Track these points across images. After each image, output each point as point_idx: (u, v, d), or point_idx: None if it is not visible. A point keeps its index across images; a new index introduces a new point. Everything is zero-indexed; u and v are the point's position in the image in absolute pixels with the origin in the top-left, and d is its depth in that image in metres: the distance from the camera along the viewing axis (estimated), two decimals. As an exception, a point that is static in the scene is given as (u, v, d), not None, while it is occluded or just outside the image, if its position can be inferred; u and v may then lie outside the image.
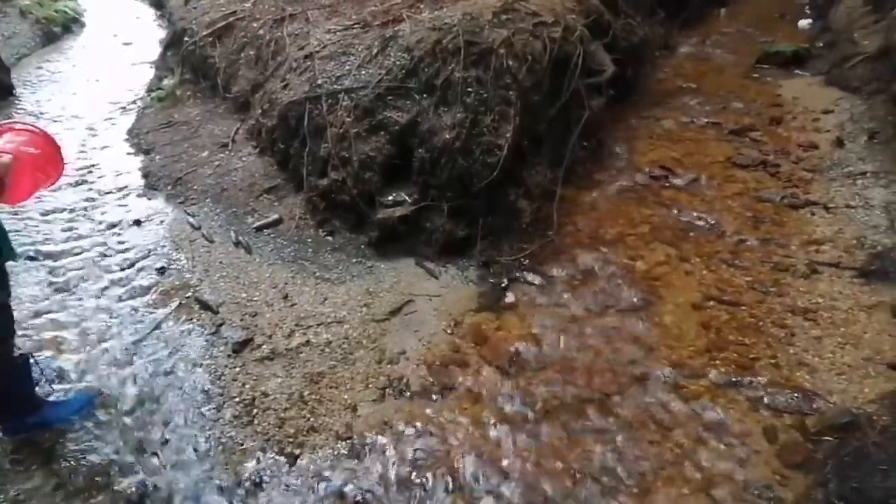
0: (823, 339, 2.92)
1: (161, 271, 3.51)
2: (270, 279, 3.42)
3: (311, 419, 2.52)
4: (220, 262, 3.57)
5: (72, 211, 4.25)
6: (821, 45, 6.88)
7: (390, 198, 3.62)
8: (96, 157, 5.12)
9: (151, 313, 3.14)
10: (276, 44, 4.82)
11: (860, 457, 2.32)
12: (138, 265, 3.57)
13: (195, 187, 4.39)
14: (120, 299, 3.26)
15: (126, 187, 4.57)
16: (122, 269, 3.53)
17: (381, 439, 2.45)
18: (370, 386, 2.71)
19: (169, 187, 4.46)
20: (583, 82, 4.83)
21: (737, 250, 3.72)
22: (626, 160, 5.05)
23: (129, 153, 5.18)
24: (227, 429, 2.48)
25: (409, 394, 2.69)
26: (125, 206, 4.31)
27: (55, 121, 5.93)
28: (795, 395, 2.64)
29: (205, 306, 3.17)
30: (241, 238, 3.75)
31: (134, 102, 6.36)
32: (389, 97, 3.67)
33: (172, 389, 2.67)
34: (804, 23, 8.09)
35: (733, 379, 2.75)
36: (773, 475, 2.28)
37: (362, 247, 3.66)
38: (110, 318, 3.12)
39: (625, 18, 6.05)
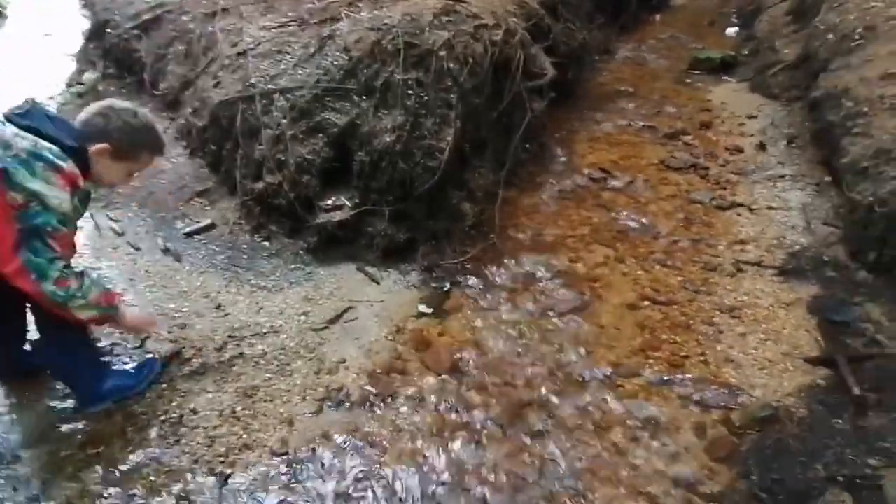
0: (747, 336, 3.07)
1: (80, 281, 3.27)
2: (202, 288, 3.26)
3: (244, 436, 2.41)
4: (147, 272, 3.37)
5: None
6: (746, 52, 7.27)
7: (329, 202, 3.53)
8: (8, 157, 4.72)
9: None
10: (208, 39, 4.60)
11: (780, 449, 2.45)
12: (54, 275, 3.31)
13: (119, 191, 4.12)
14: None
15: (42, 190, 4.23)
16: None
17: (319, 453, 2.38)
18: (308, 398, 2.62)
19: (90, 190, 4.16)
20: (524, 85, 4.88)
21: (670, 250, 3.86)
22: (567, 162, 5.15)
23: (45, 153, 4.80)
24: (152, 450, 2.33)
25: (348, 405, 2.63)
26: (40, 210, 3.98)
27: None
28: (722, 390, 2.75)
29: (128, 319, 2.97)
30: (169, 245, 3.56)
31: (52, 98, 5.92)
32: (327, 98, 3.57)
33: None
34: (731, 31, 8.53)
35: (666, 377, 2.84)
36: (701, 469, 2.37)
37: (301, 252, 3.55)
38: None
39: (565, 23, 6.17)
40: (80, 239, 3.67)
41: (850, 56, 4.90)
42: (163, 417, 2.46)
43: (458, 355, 2.95)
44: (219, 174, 3.92)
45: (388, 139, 3.46)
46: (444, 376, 2.83)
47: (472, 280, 3.54)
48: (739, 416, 2.61)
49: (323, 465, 2.34)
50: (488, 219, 4.10)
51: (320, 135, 3.52)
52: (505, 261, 3.73)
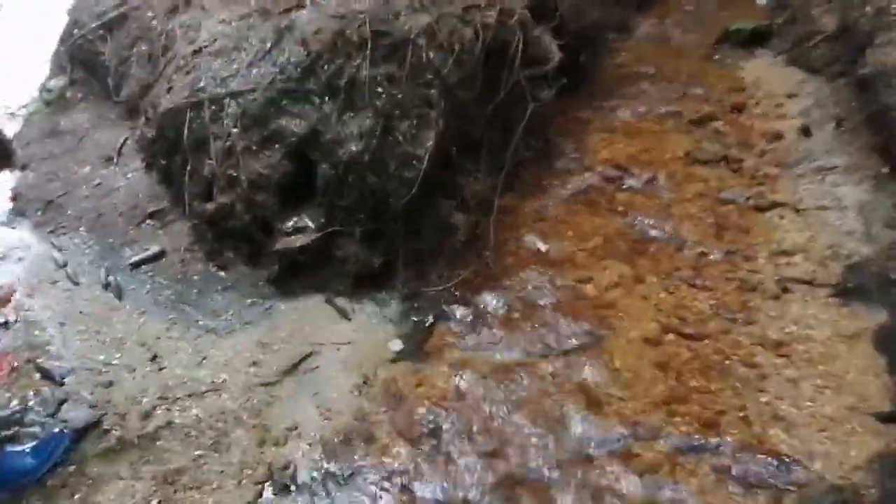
0: (799, 383, 2.46)
1: (5, 326, 2.84)
2: (140, 333, 2.79)
3: (158, 542, 1.93)
4: (81, 312, 2.91)
5: (-87, 247, 3.50)
6: (780, 21, 6.43)
7: (290, 224, 3.01)
8: (-38, 176, 4.33)
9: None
10: (168, 37, 4.09)
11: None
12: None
13: (69, 212, 3.69)
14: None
15: (-13, 213, 3.83)
16: (-48, 327, 2.84)
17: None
18: (245, 482, 2.14)
19: (38, 213, 3.74)
20: (524, 74, 4.24)
21: (698, 265, 3.23)
22: (578, 160, 4.51)
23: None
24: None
25: (293, 489, 2.12)
26: (-19, 238, 3.58)
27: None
28: (770, 462, 2.16)
29: (46, 376, 2.53)
30: (111, 278, 3.10)
31: (25, 106, 5.54)
32: (284, 101, 3.03)
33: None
34: (762, 0, 7.65)
35: (696, 442, 2.26)
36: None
37: (261, 283, 3.05)
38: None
39: (573, -2, 5.47)
40: (19, 271, 3.29)
41: (893, 31, 4.14)
42: (59, 514, 1.99)
43: (436, 414, 2.42)
44: (171, 192, 3.44)
45: (354, 148, 2.91)
46: (418, 444, 2.30)
47: (461, 311, 2.99)
48: (795, 502, 2.01)
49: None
50: (484, 231, 3.53)
51: (276, 145, 2.99)
52: (500, 284, 3.16)
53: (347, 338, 2.80)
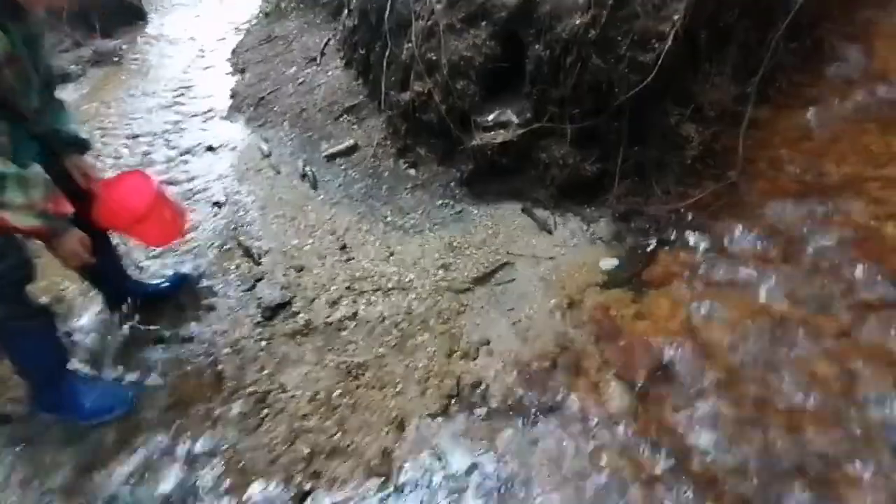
0: None
1: (217, 205, 2.93)
2: (331, 223, 2.65)
3: (336, 436, 1.74)
4: (280, 199, 2.88)
5: (154, 135, 3.85)
6: None
7: (491, 117, 2.59)
8: (195, 78, 4.74)
9: (191, 259, 2.55)
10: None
11: None
12: (196, 197, 3.03)
13: (276, 109, 3.75)
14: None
15: (212, 110, 4.08)
16: (182, 201, 3.00)
17: (429, 479, 1.59)
18: (429, 391, 1.84)
19: (251, 109, 3.88)
20: (801, -54, 3.17)
21: None
22: (861, 66, 3.34)
23: (226, 73, 4.72)
24: (231, 430, 1.79)
25: (484, 411, 1.77)
26: (206, 129, 3.81)
27: (171, 43, 5.70)
28: None
29: (247, 253, 2.51)
30: (308, 169, 3.02)
31: (248, 21, 5.94)
32: (497, -31, 2.54)
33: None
34: None
35: None
36: None
37: (452, 184, 2.72)
38: (146, 258, 2.58)
39: None
40: (232, 158, 3.42)
41: None
42: (250, 388, 1.91)
43: (668, 355, 1.87)
44: (368, 84, 3.23)
45: (577, 22, 2.34)
46: (638, 388, 1.79)
47: (695, 237, 2.34)
48: None
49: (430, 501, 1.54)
50: (725, 148, 2.75)
51: (483, 23, 2.55)
52: (752, 212, 2.42)
53: (548, 253, 2.35)
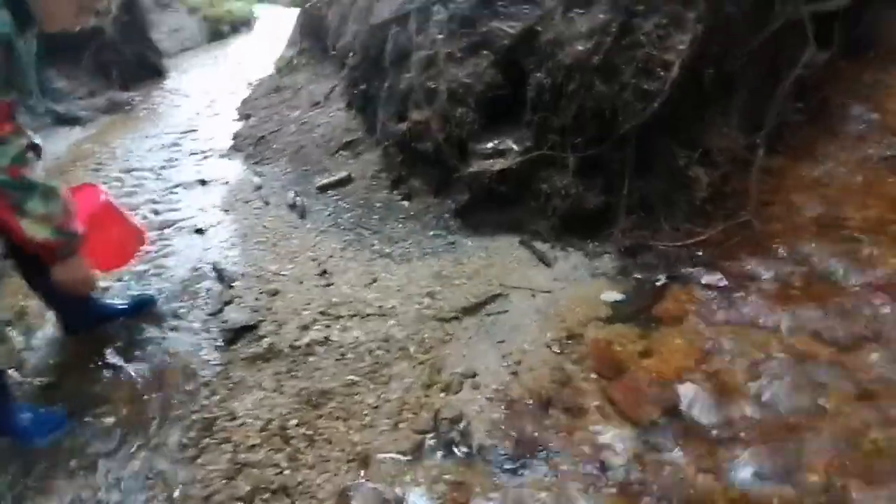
0: None
1: (198, 232, 2.78)
2: (314, 250, 2.47)
3: (287, 471, 1.45)
4: (265, 227, 2.73)
5: (150, 170, 3.80)
6: None
7: (489, 145, 2.47)
8: (200, 124, 4.78)
9: (159, 282, 2.36)
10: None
11: None
12: (178, 225, 2.88)
13: (274, 146, 3.70)
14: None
15: (211, 149, 4.06)
16: (162, 228, 2.86)
17: (394, 535, 1.29)
18: (402, 425, 1.57)
19: (250, 147, 3.84)
20: (805, 8, 3.20)
21: None
22: (873, 123, 3.26)
23: (232, 119, 4.76)
24: (164, 461, 1.52)
25: (464, 451, 1.49)
26: (201, 166, 3.76)
27: (185, 96, 5.85)
28: None
29: (220, 277, 2.32)
30: (297, 200, 2.89)
31: (262, 76, 6.12)
32: (499, 3, 2.53)
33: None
34: None
35: None
36: None
37: (446, 216, 2.56)
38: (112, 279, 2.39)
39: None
40: (223, 191, 3.31)
41: None
42: (195, 415, 1.64)
43: (678, 395, 1.60)
44: (366, 119, 3.18)
45: (580, 48, 2.27)
46: (647, 429, 1.51)
47: (707, 274, 2.13)
48: None
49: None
50: (735, 191, 2.60)
51: (485, 52, 2.50)
52: (767, 250, 2.23)
53: (547, 286, 2.14)
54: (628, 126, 2.28)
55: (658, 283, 2.12)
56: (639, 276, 2.17)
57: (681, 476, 1.40)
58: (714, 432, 1.51)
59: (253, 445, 1.52)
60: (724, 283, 2.08)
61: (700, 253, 2.25)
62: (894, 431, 1.43)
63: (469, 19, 2.56)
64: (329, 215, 2.75)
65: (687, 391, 1.63)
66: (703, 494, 1.36)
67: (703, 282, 2.11)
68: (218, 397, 1.70)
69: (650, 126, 2.38)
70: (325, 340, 1.89)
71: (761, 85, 3.06)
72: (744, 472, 1.40)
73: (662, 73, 2.28)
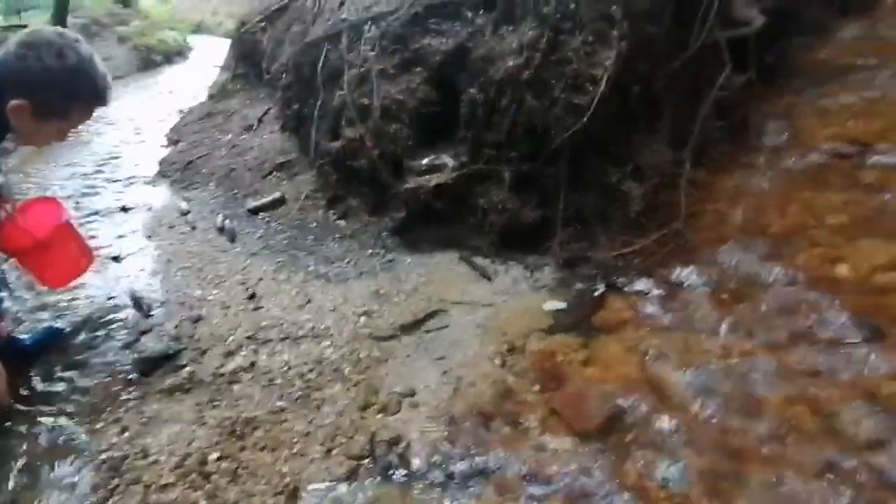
0: None
1: (115, 259, 2.58)
2: (243, 273, 2.34)
3: (204, 512, 1.30)
4: (190, 252, 2.57)
5: (68, 198, 3.53)
6: None
7: (425, 161, 2.44)
8: (125, 151, 4.54)
9: (71, 313, 2.15)
10: (318, 6, 3.95)
11: None
12: (95, 253, 2.65)
13: (203, 171, 3.54)
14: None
15: (135, 176, 3.84)
16: (76, 258, 2.62)
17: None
18: (335, 451, 1.45)
19: (178, 173, 3.66)
20: (722, 35, 3.40)
21: None
22: (789, 139, 3.47)
23: (160, 146, 4.55)
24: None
25: (402, 474, 1.39)
26: (123, 193, 3.54)
27: (109, 124, 5.55)
28: None
29: (137, 305, 2.14)
30: (226, 223, 2.75)
31: (193, 103, 5.92)
32: (431, 20, 2.55)
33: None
34: None
35: None
36: None
37: (383, 234, 2.49)
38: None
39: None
40: (146, 218, 3.11)
41: None
42: (104, 455, 1.46)
43: (621, 404, 1.57)
44: (300, 139, 3.09)
45: (511, 63, 2.30)
46: (591, 438, 1.47)
47: (643, 282, 2.15)
48: None
49: None
50: (666, 203, 2.68)
51: (417, 69, 2.49)
52: (700, 257, 2.28)
53: (487, 300, 2.09)
54: (560, 140, 2.31)
55: (597, 293, 2.12)
56: (578, 287, 2.17)
57: (625, 483, 1.35)
58: (656, 437, 1.48)
59: (167, 484, 1.36)
60: (659, 290, 2.11)
61: (636, 262, 2.28)
62: (829, 421, 1.46)
63: (401, 36, 2.55)
64: (260, 238, 2.62)
65: (628, 398, 1.60)
66: (647, 501, 1.32)
67: (640, 290, 2.13)
68: (129, 434, 1.53)
69: (583, 142, 2.42)
70: (252, 366, 1.75)
71: (685, 103, 3.21)
72: (684, 474, 1.37)
73: (591, 88, 2.33)
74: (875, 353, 1.68)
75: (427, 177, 2.41)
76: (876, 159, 3.02)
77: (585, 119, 2.27)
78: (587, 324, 1.95)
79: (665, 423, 1.52)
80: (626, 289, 2.13)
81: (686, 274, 2.19)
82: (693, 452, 1.42)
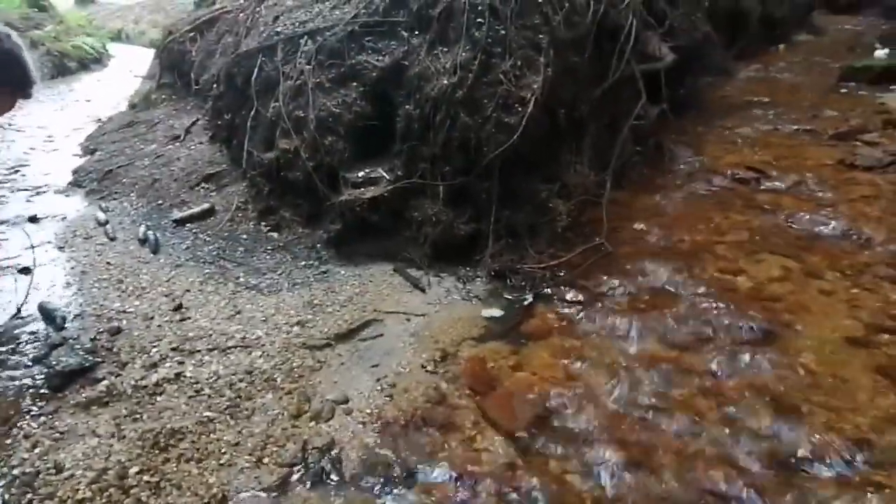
0: None
1: (24, 272, 2.39)
2: (168, 285, 2.25)
3: (122, 527, 1.24)
4: (108, 263, 2.43)
5: (-32, 208, 3.25)
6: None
7: (361, 174, 2.47)
8: (34, 160, 4.22)
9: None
10: (252, 20, 3.92)
11: None
12: (1, 264, 2.46)
13: (124, 181, 3.37)
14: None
15: (46, 185, 3.59)
16: (-23, 270, 2.42)
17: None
18: (266, 460, 1.43)
19: (94, 183, 3.46)
20: (638, 67, 3.70)
21: (896, 262, 2.38)
22: (697, 165, 3.83)
23: (73, 155, 4.27)
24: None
25: (334, 480, 1.39)
26: (32, 202, 3.29)
27: (18, 131, 5.15)
28: None
29: (48, 319, 2.00)
30: (149, 234, 2.63)
31: (113, 114, 5.61)
32: (367, 37, 2.60)
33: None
34: (881, 52, 6.83)
35: None
36: None
37: (318, 246, 2.48)
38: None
39: (683, 12, 5.00)
40: (57, 228, 2.92)
41: None
42: (16, 469, 1.35)
43: (548, 404, 1.65)
44: (231, 150, 3.03)
45: (446, 82, 2.39)
46: (519, 438, 1.53)
47: (570, 293, 2.27)
48: None
49: None
50: (590, 220, 2.86)
51: (353, 83, 2.53)
52: (620, 269, 2.44)
53: (421, 310, 2.13)
54: (492, 156, 2.42)
55: (526, 303, 2.21)
56: (508, 297, 2.25)
57: (553, 480, 1.42)
58: (580, 436, 1.56)
59: (83, 499, 1.28)
60: (583, 299, 2.24)
61: (562, 274, 2.40)
62: (732, 410, 1.60)
63: (337, 51, 2.59)
64: (187, 249, 2.53)
65: (555, 400, 1.68)
66: (573, 495, 1.39)
67: (567, 298, 2.25)
68: (40, 449, 1.42)
69: (514, 160, 2.54)
70: (177, 377, 1.69)
71: (606, 129, 3.45)
72: (606, 469, 1.46)
73: (520, 109, 2.47)
74: (768, 353, 1.88)
75: (363, 189, 2.43)
76: (769, 184, 3.38)
77: (516, 137, 2.39)
78: (516, 332, 2.03)
79: (585, 421, 1.61)
80: (553, 298, 2.24)
81: (607, 284, 2.34)
82: (612, 447, 1.51)
